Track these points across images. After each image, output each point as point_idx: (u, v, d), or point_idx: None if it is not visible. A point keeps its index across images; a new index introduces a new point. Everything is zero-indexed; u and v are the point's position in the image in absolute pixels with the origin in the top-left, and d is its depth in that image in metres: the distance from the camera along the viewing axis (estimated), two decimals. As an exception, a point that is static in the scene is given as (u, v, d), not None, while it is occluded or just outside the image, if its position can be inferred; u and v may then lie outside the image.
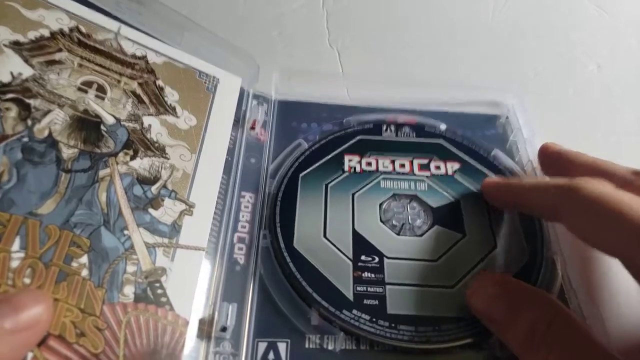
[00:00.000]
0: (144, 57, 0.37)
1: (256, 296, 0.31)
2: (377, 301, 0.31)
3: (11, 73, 0.31)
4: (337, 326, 0.30)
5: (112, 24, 0.37)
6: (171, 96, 0.36)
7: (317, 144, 0.39)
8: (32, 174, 0.28)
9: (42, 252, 0.27)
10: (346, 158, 0.38)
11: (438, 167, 0.38)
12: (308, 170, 0.37)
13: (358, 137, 0.39)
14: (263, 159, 0.38)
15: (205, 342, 0.29)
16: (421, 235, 0.34)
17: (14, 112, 0.30)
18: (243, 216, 0.35)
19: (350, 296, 0.31)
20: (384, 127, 0.40)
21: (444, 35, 0.50)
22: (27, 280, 0.26)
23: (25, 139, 0.29)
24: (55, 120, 0.31)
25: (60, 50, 0.34)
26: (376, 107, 0.42)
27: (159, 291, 0.29)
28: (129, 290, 0.28)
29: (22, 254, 0.26)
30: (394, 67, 0.47)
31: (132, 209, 0.31)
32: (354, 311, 0.30)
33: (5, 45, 0.32)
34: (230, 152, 0.37)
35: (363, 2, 0.52)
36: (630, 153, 0.40)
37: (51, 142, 0.30)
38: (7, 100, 0.30)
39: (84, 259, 0.28)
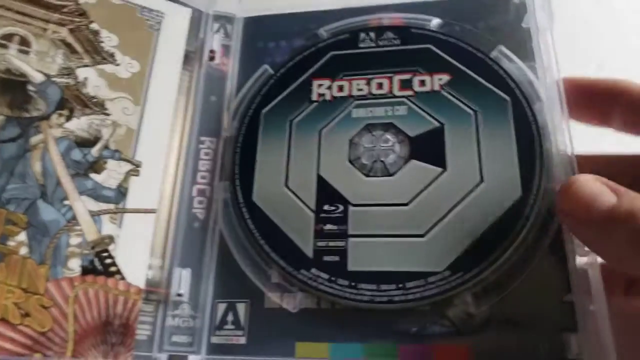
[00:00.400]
0: None
1: (215, 255, 0.30)
2: (338, 257, 0.28)
3: None
4: (296, 287, 0.28)
5: None
6: (108, 41, 0.33)
7: (282, 69, 0.34)
8: None
9: None
10: (315, 84, 0.33)
11: (422, 83, 0.32)
12: (271, 105, 0.33)
13: (330, 54, 0.34)
14: (225, 95, 0.34)
15: (163, 307, 0.29)
16: (393, 174, 0.30)
17: None
18: (203, 165, 0.32)
19: (310, 253, 0.29)
20: (362, 37, 0.34)
21: None
22: None
23: None
24: None
25: None
26: (356, 6, 0.35)
27: (108, 261, 0.28)
28: (74, 264, 0.28)
29: None
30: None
31: (72, 176, 0.29)
32: (313, 270, 0.28)
33: None
34: (187, 91, 0.34)
35: None
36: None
37: None
38: None
39: (22, 237, 0.27)
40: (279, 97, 0.33)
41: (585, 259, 0.26)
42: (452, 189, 0.29)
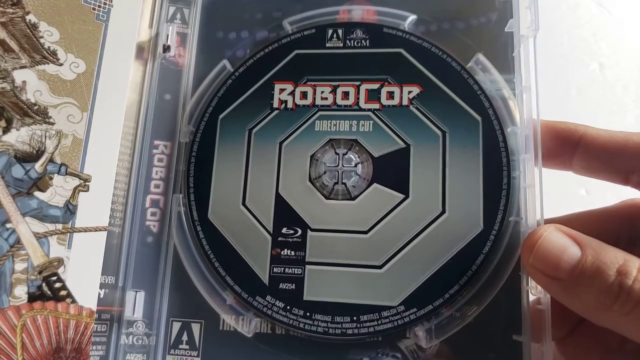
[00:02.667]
0: None
1: (169, 272, 0.29)
2: (294, 285, 0.28)
3: None
4: (252, 313, 0.28)
5: None
6: (49, 36, 0.29)
7: (241, 68, 0.31)
8: None
9: None
10: (277, 88, 0.31)
11: (391, 95, 0.30)
12: (229, 109, 0.31)
13: (294, 52, 0.31)
14: (181, 93, 0.32)
15: (116, 325, 0.29)
16: (355, 197, 0.29)
17: None
18: (157, 173, 0.31)
19: (266, 279, 0.28)
20: (329, 33, 0.31)
21: None
22: None
23: None
24: None
25: None
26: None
27: (57, 285, 0.28)
28: (20, 291, 0.27)
29: None
30: None
31: (13, 196, 0.27)
32: (268, 297, 0.28)
33: None
34: (138, 88, 0.31)
35: None
36: None
37: None
38: None
39: None
40: (238, 101, 0.31)
41: (538, 298, 0.26)
42: (413, 218, 0.28)
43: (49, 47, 0.29)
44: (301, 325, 0.27)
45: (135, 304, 0.28)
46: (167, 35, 0.32)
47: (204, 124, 0.31)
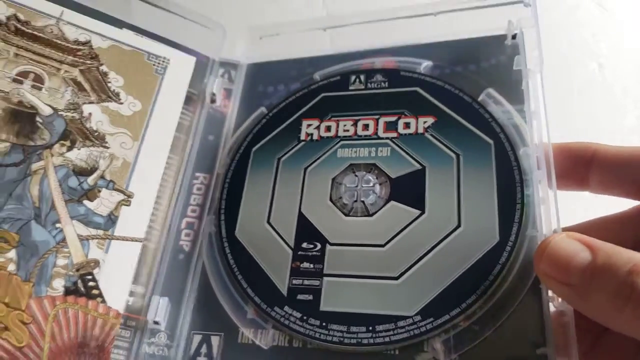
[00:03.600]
0: (87, 43, 0.35)
1: (196, 287, 0.31)
2: (311, 296, 0.28)
3: None
4: (270, 324, 0.28)
5: (54, 9, 0.35)
6: (115, 82, 0.35)
7: (275, 109, 0.35)
8: None
9: None
10: (304, 124, 0.34)
11: (407, 125, 0.32)
12: (261, 143, 0.34)
13: (321, 95, 0.35)
14: (223, 135, 0.35)
15: (140, 334, 0.29)
16: (373, 214, 0.30)
17: None
18: (194, 199, 0.34)
19: (285, 291, 0.29)
20: (352, 79, 0.35)
21: None
22: None
23: None
24: None
25: None
26: (351, 51, 0.36)
27: (91, 283, 0.29)
28: (58, 284, 0.29)
29: None
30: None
31: (66, 202, 0.31)
32: (286, 308, 0.28)
33: None
34: (186, 130, 0.35)
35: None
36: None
37: None
38: None
39: (12, 254, 0.28)
40: (270, 136, 0.34)
41: (561, 310, 0.25)
42: (429, 232, 0.28)
43: (114, 90, 0.34)
44: (317, 335, 0.27)
45: (157, 308, 0.29)
46: (215, 89, 0.36)
47: (238, 155, 0.34)
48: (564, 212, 0.27)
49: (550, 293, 0.25)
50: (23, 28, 0.34)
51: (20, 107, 0.32)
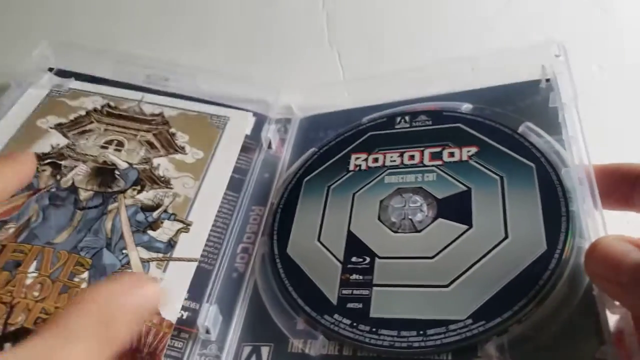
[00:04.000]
0: (160, 114, 0.42)
1: (247, 302, 0.32)
2: (361, 304, 0.29)
3: (51, 145, 0.39)
4: (319, 331, 0.29)
5: (137, 95, 0.43)
6: (181, 139, 0.40)
7: (325, 147, 0.38)
8: (54, 214, 0.35)
9: (52, 271, 0.32)
10: (353, 157, 0.36)
11: (452, 154, 0.34)
12: (312, 174, 0.36)
13: (369, 134, 0.38)
14: (276, 172, 0.38)
15: (191, 344, 0.30)
16: (421, 230, 0.31)
17: (48, 171, 0.37)
18: (250, 228, 0.36)
19: (334, 300, 0.29)
20: (398, 120, 0.38)
21: (444, 37, 0.49)
22: (36, 294, 0.31)
23: (53, 189, 0.36)
24: (78, 173, 0.37)
25: (91, 122, 0.41)
26: (398, 100, 0.40)
27: None
28: None
29: (35, 274, 0.32)
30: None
31: (133, 232, 0.34)
32: (335, 315, 0.29)
33: (50, 128, 0.40)
34: (243, 172, 0.39)
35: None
36: (633, 154, 0.34)
37: (73, 189, 0.37)
38: (44, 164, 0.38)
39: (85, 275, 0.32)
40: (320, 168, 0.37)
41: (617, 313, 0.25)
42: (477, 244, 0.29)
43: (180, 144, 0.40)
44: (367, 340, 0.27)
45: (207, 314, 0.30)
46: (272, 139, 0.40)
47: (291, 185, 0.36)
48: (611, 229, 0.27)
49: (604, 296, 0.25)
50: (112, 111, 0.42)
51: (103, 165, 0.38)
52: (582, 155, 0.30)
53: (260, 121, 0.41)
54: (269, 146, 0.40)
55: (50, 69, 0.44)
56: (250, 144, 0.40)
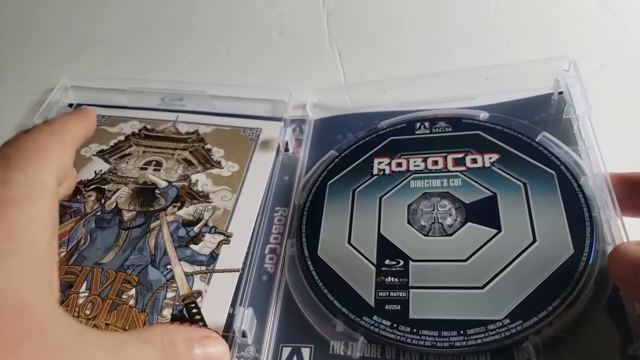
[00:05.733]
0: (195, 132, 0.43)
1: (280, 303, 0.32)
2: (399, 306, 0.30)
3: (94, 171, 0.41)
4: (360, 332, 0.29)
5: (172, 116, 0.45)
6: (217, 154, 0.41)
7: (346, 151, 0.39)
8: (100, 236, 0.36)
9: (101, 290, 0.33)
10: (376, 161, 0.37)
11: (474, 161, 0.35)
12: (336, 177, 0.37)
13: (389, 139, 0.38)
14: (295, 174, 0.39)
15: (231, 349, 0.30)
16: (451, 234, 0.32)
17: (93, 196, 0.39)
18: (275, 229, 0.36)
19: (372, 302, 0.30)
20: (417, 125, 0.39)
21: (443, 34, 0.50)
22: (87, 312, 0.32)
23: (99, 213, 0.38)
24: (121, 195, 0.39)
25: (130, 146, 0.43)
26: (414, 109, 0.41)
27: (194, 310, 0.32)
28: (167, 312, 0.32)
29: (86, 293, 0.33)
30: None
31: (176, 248, 0.35)
32: (375, 317, 0.29)
33: (93, 155, 0.42)
34: (264, 174, 0.39)
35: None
36: (634, 152, 0.37)
37: (116, 211, 0.38)
38: (90, 190, 0.40)
39: (132, 292, 0.33)
40: (343, 172, 0.37)
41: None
42: (507, 248, 0.30)
43: (216, 159, 0.41)
44: (408, 340, 0.28)
45: (243, 317, 0.30)
46: (288, 140, 0.40)
47: (315, 188, 0.37)
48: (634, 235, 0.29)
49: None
50: (149, 134, 0.44)
51: (144, 185, 0.40)
52: (600, 164, 0.32)
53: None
54: (286, 148, 0.40)
55: (70, 105, 0.47)
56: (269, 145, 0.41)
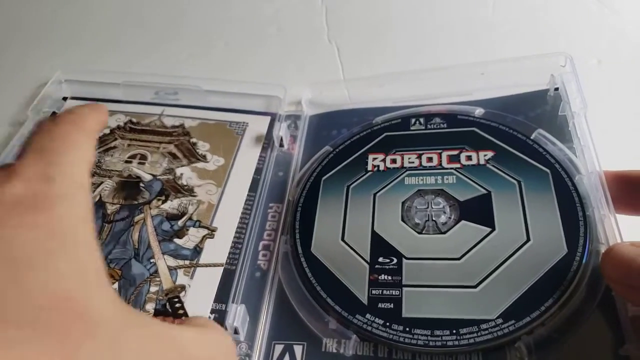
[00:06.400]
0: (181, 125, 0.43)
1: (273, 300, 0.32)
2: (392, 304, 0.29)
3: None
4: (352, 330, 0.29)
5: (157, 109, 0.44)
6: (202, 147, 0.41)
7: (341, 146, 0.38)
8: None
9: None
10: (370, 157, 0.37)
11: (469, 158, 0.35)
12: (330, 173, 0.37)
13: (384, 135, 0.38)
14: (290, 170, 0.38)
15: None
16: (445, 232, 0.32)
17: None
18: (269, 225, 0.36)
19: (365, 300, 0.30)
20: (412, 121, 0.39)
21: (440, 32, 0.49)
22: None
23: None
24: (105, 188, 0.38)
25: (115, 139, 0.42)
26: (410, 104, 0.40)
27: (177, 305, 0.32)
28: (150, 307, 0.32)
29: None
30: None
31: (160, 241, 0.35)
32: (368, 315, 0.29)
33: None
34: (259, 171, 0.39)
35: None
36: (629, 149, 0.37)
37: (100, 204, 0.37)
38: None
39: (115, 286, 0.33)
40: (338, 167, 0.37)
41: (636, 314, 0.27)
42: (501, 246, 0.30)
43: (201, 153, 0.40)
44: (401, 339, 0.28)
45: (235, 314, 0.30)
46: (283, 135, 0.40)
47: (309, 184, 0.36)
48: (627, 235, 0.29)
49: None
50: (135, 127, 0.43)
51: (128, 178, 0.39)
52: (595, 163, 0.32)
53: (272, 120, 0.42)
54: (281, 144, 0.40)
55: (64, 98, 0.46)
56: (266, 144, 0.41)
